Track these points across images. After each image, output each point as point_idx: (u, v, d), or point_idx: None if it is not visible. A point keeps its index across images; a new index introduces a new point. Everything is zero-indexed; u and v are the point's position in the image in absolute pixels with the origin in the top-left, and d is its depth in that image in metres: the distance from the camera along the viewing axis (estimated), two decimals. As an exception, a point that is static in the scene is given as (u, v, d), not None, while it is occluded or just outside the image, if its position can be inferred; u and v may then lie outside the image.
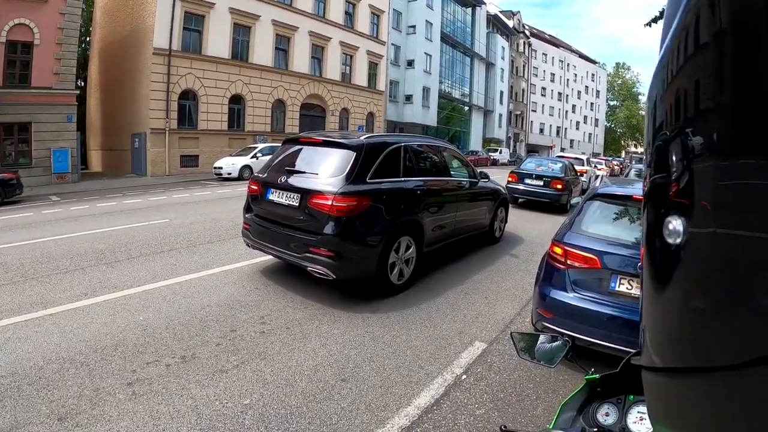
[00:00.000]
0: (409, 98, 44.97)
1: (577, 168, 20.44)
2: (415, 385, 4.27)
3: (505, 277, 7.74)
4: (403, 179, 6.62)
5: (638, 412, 1.63)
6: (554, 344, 1.93)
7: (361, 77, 39.17)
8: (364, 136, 6.58)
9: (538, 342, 1.96)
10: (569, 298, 4.65)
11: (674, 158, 0.68)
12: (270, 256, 7.01)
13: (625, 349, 4.43)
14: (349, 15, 37.39)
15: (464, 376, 4.51)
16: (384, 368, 4.51)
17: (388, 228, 6.09)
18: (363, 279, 6.15)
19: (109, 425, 3.44)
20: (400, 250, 6.40)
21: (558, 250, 4.82)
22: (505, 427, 1.55)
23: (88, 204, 15.18)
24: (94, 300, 5.82)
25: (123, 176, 26.19)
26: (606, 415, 1.66)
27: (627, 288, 4.50)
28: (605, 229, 4.92)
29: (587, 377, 1.77)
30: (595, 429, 1.58)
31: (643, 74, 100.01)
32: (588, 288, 4.64)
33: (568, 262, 4.72)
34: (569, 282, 4.70)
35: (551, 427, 1.75)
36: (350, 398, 3.98)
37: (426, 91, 46.13)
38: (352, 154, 6.08)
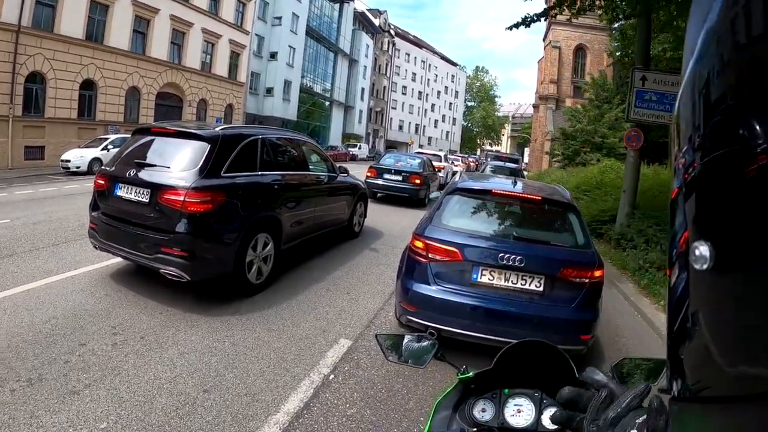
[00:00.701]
0: (270, 91, 43.89)
1: (435, 164, 21.18)
2: (282, 389, 4.05)
3: (367, 271, 7.71)
4: (260, 173, 6.32)
5: (514, 405, 1.63)
6: (422, 344, 1.87)
7: (222, 67, 37.23)
8: (220, 128, 6.19)
9: (405, 342, 1.89)
10: (432, 290, 4.67)
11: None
12: (120, 258, 6.33)
13: (488, 337, 4.56)
14: (214, 1, 35.37)
15: (332, 376, 4.37)
16: (248, 374, 4.22)
17: (245, 224, 5.78)
18: (220, 279, 5.77)
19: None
20: (258, 248, 6.11)
21: (419, 244, 4.82)
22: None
23: None
24: None
25: None
26: (483, 411, 1.63)
27: (488, 279, 4.64)
28: (465, 223, 5.04)
29: (460, 376, 1.73)
30: (474, 429, 1.53)
31: (501, 78, 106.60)
32: (450, 280, 4.70)
33: (430, 255, 4.74)
34: (431, 275, 4.73)
35: (427, 429, 1.69)
36: (215, 410, 3.66)
37: (287, 84, 45.32)
38: (207, 146, 5.67)
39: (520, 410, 1.61)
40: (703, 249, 0.60)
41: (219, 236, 5.55)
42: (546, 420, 1.58)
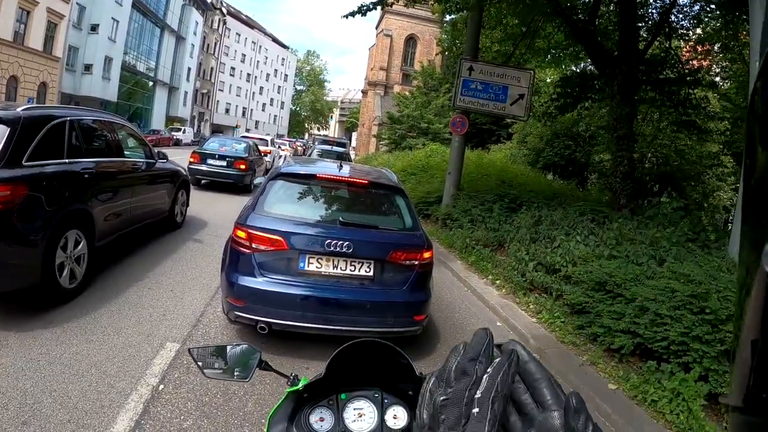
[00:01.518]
0: (88, 68, 39.79)
1: (262, 148, 20.85)
2: (108, 409, 3.66)
3: (191, 265, 7.35)
4: (68, 161, 5.60)
5: (354, 409, 1.56)
6: (243, 354, 1.73)
7: (36, 39, 32.63)
8: (21, 108, 5.33)
9: (222, 354, 1.72)
10: (258, 282, 4.54)
11: None
12: None
13: (321, 326, 4.53)
14: (33, -37, 30.88)
15: (162, 386, 4.07)
16: (69, 397, 3.75)
17: (52, 221, 5.07)
18: (28, 287, 5.00)
19: None
20: (69, 247, 5.43)
21: (241, 234, 4.65)
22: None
23: None
24: None
25: None
26: (321, 420, 1.54)
27: (316, 267, 4.63)
28: (290, 209, 4.96)
29: (289, 389, 1.61)
30: None
31: (331, 63, 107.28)
32: (277, 270, 4.60)
33: (254, 245, 4.59)
34: (257, 266, 4.59)
35: None
36: (36, 445, 3.18)
37: (108, 61, 41.41)
38: (5, 130, 4.84)
39: (361, 414, 1.54)
40: None
41: (23, 237, 4.84)
42: (390, 420, 1.53)
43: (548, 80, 20.89)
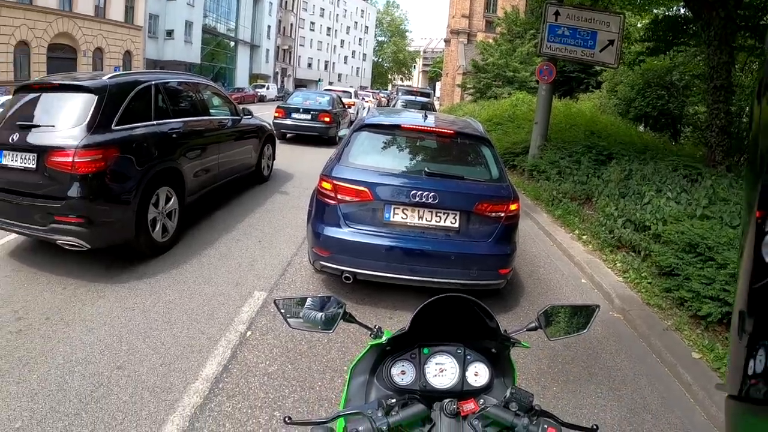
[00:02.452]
0: (170, 34, 41.24)
1: (345, 101, 20.86)
2: (199, 354, 3.87)
3: (278, 217, 7.53)
4: (156, 122, 5.85)
5: (436, 363, 1.56)
6: (328, 306, 1.73)
7: (117, 11, 34.28)
8: (107, 76, 5.61)
9: (308, 305, 1.74)
10: (344, 233, 4.56)
11: None
12: (15, 234, 5.75)
13: (405, 277, 4.51)
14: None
15: (249, 333, 4.24)
16: (161, 343, 4.00)
17: (143, 180, 5.35)
18: (123, 242, 5.36)
19: None
20: (160, 204, 5.72)
21: (327, 185, 4.67)
22: (289, 418, 1.36)
23: None
24: None
25: None
26: (402, 373, 1.56)
27: (402, 217, 4.56)
28: (375, 160, 4.89)
29: (372, 343, 1.64)
30: (394, 395, 1.41)
31: (411, 13, 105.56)
32: (362, 221, 4.59)
33: (339, 196, 4.60)
34: (342, 217, 4.60)
35: (343, 399, 1.64)
36: (131, 387, 3.43)
37: (189, 25, 42.74)
38: (94, 98, 5.13)
39: (442, 369, 1.54)
40: None
41: (116, 196, 5.13)
42: (471, 377, 1.53)
43: (639, 25, 19.59)
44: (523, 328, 1.70)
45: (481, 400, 1.40)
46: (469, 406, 1.38)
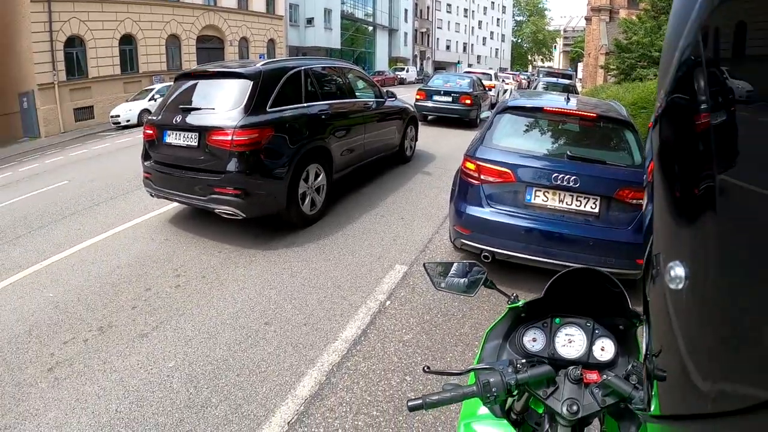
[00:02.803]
0: (310, 21, 42.93)
1: (485, 83, 20.58)
2: (340, 317, 4.14)
3: (420, 196, 7.66)
4: (305, 105, 6.26)
5: (566, 334, 1.59)
6: (471, 272, 1.81)
7: (258, 3, 36.66)
8: (261, 63, 6.14)
9: (453, 270, 1.83)
10: (485, 213, 4.59)
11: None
12: (177, 203, 6.58)
13: (542, 259, 4.50)
14: (245, -64, 34.69)
15: (388, 302, 4.43)
16: (306, 305, 4.34)
17: (295, 157, 5.77)
18: (275, 214, 5.85)
19: (38, 420, 3.13)
20: (310, 179, 6.13)
21: (471, 166, 4.70)
22: (428, 368, 1.46)
23: (-22, 179, 13.57)
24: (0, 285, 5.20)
25: (16, 141, 23.42)
26: (533, 340, 1.60)
27: (543, 200, 4.51)
28: (517, 142, 4.86)
29: (510, 305, 1.67)
30: (523, 359, 1.48)
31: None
32: (503, 202, 4.60)
33: (482, 177, 4.62)
34: (484, 197, 4.63)
35: (477, 358, 1.69)
36: (276, 341, 3.80)
37: (327, 12, 44.22)
38: (249, 83, 5.65)
39: (571, 340, 1.57)
40: (678, 270, 0.62)
41: (270, 171, 5.58)
42: (597, 351, 1.55)
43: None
44: None
45: (603, 375, 1.39)
46: (592, 376, 1.41)
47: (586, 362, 1.52)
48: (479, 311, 4.30)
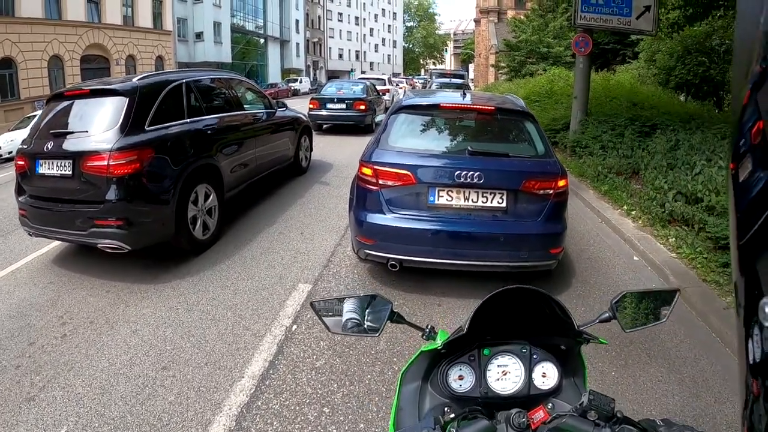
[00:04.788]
0: (199, 36, 42.04)
1: (380, 88, 20.83)
2: (244, 350, 3.82)
3: (319, 207, 7.49)
4: (189, 120, 5.85)
5: (498, 366, 1.38)
6: (372, 306, 1.53)
7: (145, 18, 35.13)
8: (137, 78, 5.67)
9: (348, 307, 1.52)
10: (387, 219, 4.43)
11: None
12: (58, 241, 5.92)
13: (453, 262, 4.37)
14: (128, -53, 33.19)
15: (294, 327, 4.17)
16: (206, 341, 3.96)
17: (180, 178, 5.34)
18: (164, 242, 5.39)
19: None
20: (199, 201, 5.72)
21: (367, 171, 4.53)
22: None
23: None
24: None
25: None
26: (460, 378, 1.38)
27: (447, 200, 4.41)
28: (415, 142, 4.75)
29: (424, 348, 1.46)
30: (450, 406, 1.29)
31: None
32: (406, 206, 4.45)
33: (380, 181, 4.45)
34: (384, 203, 4.46)
35: (394, 405, 1.45)
36: (176, 388, 3.41)
37: (217, 26, 43.44)
38: (125, 101, 5.17)
39: (505, 372, 1.37)
40: None
41: (154, 196, 5.15)
42: (539, 379, 1.36)
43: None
44: (594, 320, 1.49)
45: (550, 405, 1.23)
46: (539, 415, 1.20)
47: (527, 395, 1.34)
48: (394, 324, 4.06)
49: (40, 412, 3.25)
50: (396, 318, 1.51)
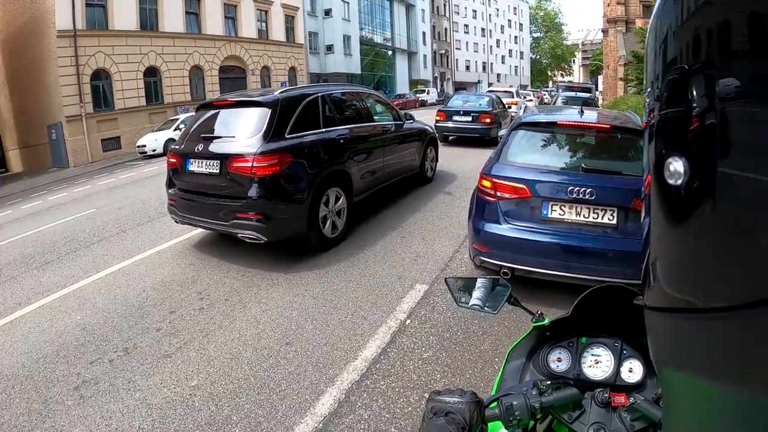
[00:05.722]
0: (330, 48, 43.78)
1: (508, 100, 20.65)
2: (360, 337, 4.19)
3: (441, 215, 7.70)
4: (324, 130, 6.40)
5: (592, 355, 1.55)
6: (494, 288, 1.77)
7: (278, 32, 37.56)
8: (279, 91, 6.31)
9: (476, 286, 1.78)
10: (503, 229, 4.60)
11: (693, 96, 0.64)
12: (201, 229, 6.77)
13: (562, 273, 4.47)
14: (261, -31, 35.69)
15: (408, 321, 4.47)
16: (327, 325, 4.40)
17: (314, 181, 5.90)
18: (296, 237, 5.96)
19: (64, 436, 3.25)
20: (330, 203, 6.24)
21: (487, 183, 4.74)
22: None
23: (11, 208, 14.00)
24: (29, 308, 5.39)
25: (45, 172, 24.31)
26: (558, 360, 1.56)
27: (559, 214, 4.49)
28: (532, 158, 4.87)
29: (535, 324, 1.64)
30: (548, 380, 1.41)
31: (564, 5, 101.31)
32: (521, 218, 4.60)
33: (498, 194, 4.65)
34: (501, 214, 4.64)
35: (498, 378, 1.65)
36: (296, 361, 3.87)
37: (347, 39, 44.99)
38: (268, 111, 5.82)
39: (598, 361, 1.53)
40: (677, 165, 0.64)
41: (290, 196, 5.72)
42: (626, 372, 1.50)
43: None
44: None
45: (631, 398, 1.32)
46: (620, 399, 1.34)
47: (614, 384, 1.47)
48: (500, 328, 4.30)
49: (174, 367, 3.88)
50: (513, 301, 1.71)
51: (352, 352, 3.96)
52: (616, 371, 1.50)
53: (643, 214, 0.76)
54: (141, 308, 5.02)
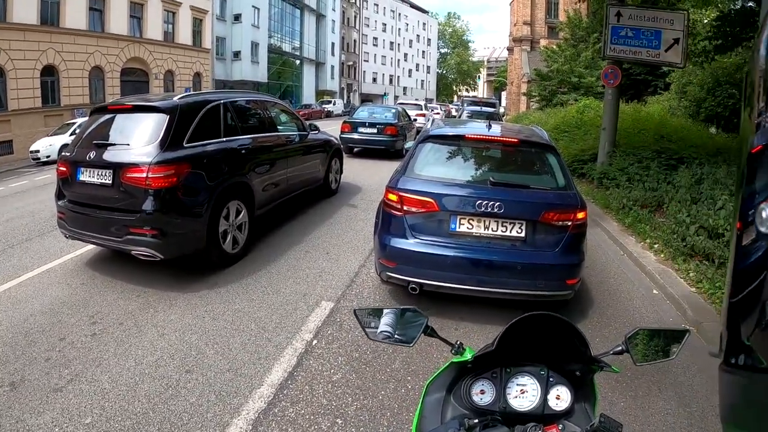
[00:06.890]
0: (237, 55, 43.03)
1: (416, 113, 21.12)
2: (265, 360, 3.98)
3: (346, 229, 7.62)
4: (225, 139, 6.11)
5: (518, 384, 1.50)
6: (408, 318, 1.66)
7: (185, 35, 36.25)
8: (178, 97, 5.98)
9: (387, 316, 1.66)
10: (410, 244, 4.55)
11: None
12: (93, 245, 6.20)
13: (472, 288, 4.47)
14: (170, -32, 34.31)
15: (315, 341, 4.30)
16: (229, 349, 4.14)
17: (214, 194, 5.59)
18: (195, 253, 5.61)
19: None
20: (231, 216, 5.95)
21: (393, 197, 4.68)
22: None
23: None
24: None
25: None
26: (481, 393, 1.50)
27: (468, 228, 4.51)
28: (440, 171, 4.88)
29: (454, 360, 1.57)
30: (474, 417, 1.37)
31: (473, 23, 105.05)
32: (428, 232, 4.57)
33: (405, 207, 4.60)
34: (408, 228, 4.59)
35: (417, 414, 1.57)
36: (198, 390, 3.58)
37: (255, 46, 44.42)
38: (166, 118, 5.46)
39: (524, 390, 1.49)
40: None
41: (188, 209, 5.39)
42: (553, 400, 1.47)
43: (705, 21, 18.75)
44: (609, 352, 1.59)
45: (561, 425, 1.33)
46: (553, 431, 1.32)
47: (542, 414, 1.45)
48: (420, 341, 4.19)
49: (66, 402, 3.47)
50: (429, 332, 1.62)
51: (257, 378, 3.73)
52: (544, 400, 1.47)
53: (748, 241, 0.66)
54: (28, 335, 4.46)
